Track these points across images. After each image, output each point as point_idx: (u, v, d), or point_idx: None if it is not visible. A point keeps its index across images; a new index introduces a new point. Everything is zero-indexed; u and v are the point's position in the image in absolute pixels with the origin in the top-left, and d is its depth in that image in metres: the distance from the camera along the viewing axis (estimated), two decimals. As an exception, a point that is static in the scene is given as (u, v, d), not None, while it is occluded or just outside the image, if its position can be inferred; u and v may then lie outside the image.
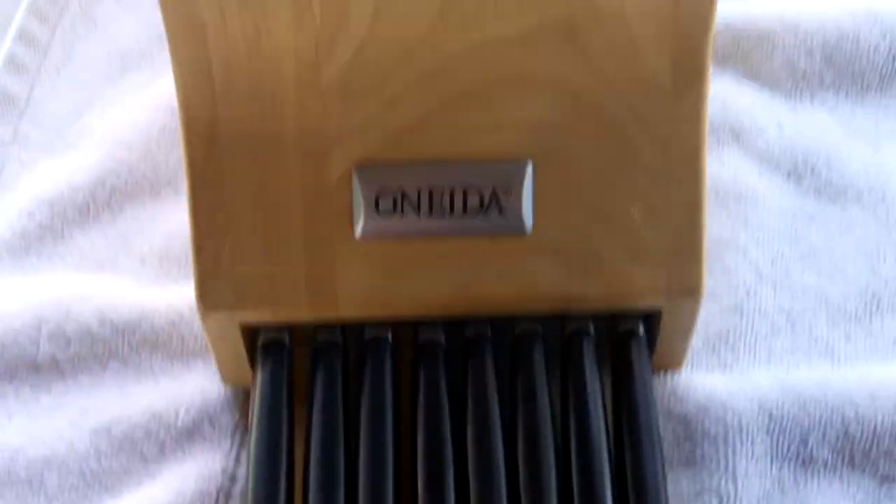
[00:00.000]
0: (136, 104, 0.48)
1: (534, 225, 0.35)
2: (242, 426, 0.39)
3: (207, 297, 0.36)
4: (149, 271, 0.44)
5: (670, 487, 0.36)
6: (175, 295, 0.42)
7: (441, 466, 0.34)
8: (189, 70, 0.33)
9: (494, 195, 0.35)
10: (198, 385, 0.40)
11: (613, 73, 0.34)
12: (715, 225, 0.43)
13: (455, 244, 0.35)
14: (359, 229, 0.35)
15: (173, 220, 0.44)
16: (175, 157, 0.46)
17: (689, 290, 0.36)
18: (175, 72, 0.33)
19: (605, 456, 0.34)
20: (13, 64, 0.50)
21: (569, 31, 0.33)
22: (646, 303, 0.36)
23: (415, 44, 0.33)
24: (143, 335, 0.41)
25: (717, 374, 0.39)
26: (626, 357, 0.36)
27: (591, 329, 0.37)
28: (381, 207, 0.35)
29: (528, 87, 0.34)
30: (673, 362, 0.39)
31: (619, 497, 0.34)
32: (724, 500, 0.36)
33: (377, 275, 0.36)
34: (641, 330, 0.37)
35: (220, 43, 0.33)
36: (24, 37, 0.51)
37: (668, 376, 0.39)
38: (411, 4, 0.32)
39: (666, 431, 0.38)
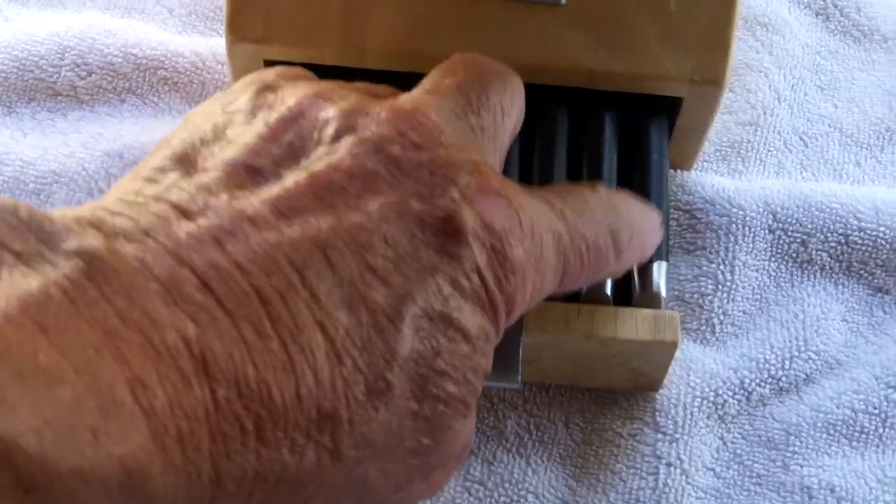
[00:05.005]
0: None
1: (570, -5, 0.35)
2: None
3: (237, 27, 0.36)
4: (176, 21, 0.44)
5: (669, 270, 0.36)
6: (200, 43, 0.42)
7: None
8: None
9: (534, -40, 0.35)
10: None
11: None
12: (741, 47, 0.43)
13: (491, 5, 0.35)
14: (396, -20, 0.35)
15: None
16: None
17: (713, 81, 0.36)
18: None
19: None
20: None
21: None
22: (670, 87, 0.36)
23: None
24: (165, 75, 0.41)
25: (726, 178, 0.40)
26: (644, 138, 0.37)
27: (614, 107, 0.37)
28: (420, -39, 0.35)
29: None
30: (684, 163, 0.40)
31: None
32: (721, 285, 0.37)
33: (409, 28, 0.36)
34: (663, 115, 0.37)
35: None
36: None
37: (678, 174, 0.39)
38: None
39: (670, 221, 0.38)
